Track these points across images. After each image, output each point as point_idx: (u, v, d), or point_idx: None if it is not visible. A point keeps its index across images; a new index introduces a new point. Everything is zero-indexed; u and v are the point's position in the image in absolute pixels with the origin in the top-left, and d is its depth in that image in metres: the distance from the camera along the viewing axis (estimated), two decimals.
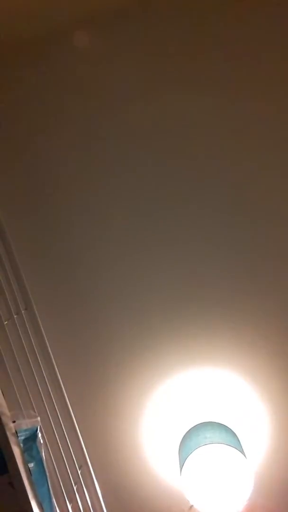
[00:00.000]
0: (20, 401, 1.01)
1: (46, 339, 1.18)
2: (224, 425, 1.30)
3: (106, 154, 1.29)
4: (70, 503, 1.06)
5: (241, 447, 1.23)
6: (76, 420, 1.19)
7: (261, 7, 1.20)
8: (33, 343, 1.13)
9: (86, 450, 1.19)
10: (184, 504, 1.32)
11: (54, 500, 0.96)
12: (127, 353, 1.32)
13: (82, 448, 1.19)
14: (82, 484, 1.14)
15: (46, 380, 1.13)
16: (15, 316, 1.09)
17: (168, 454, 1.35)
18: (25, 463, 0.87)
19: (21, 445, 0.89)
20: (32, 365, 1.10)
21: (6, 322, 1.06)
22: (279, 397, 1.30)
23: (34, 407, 1.05)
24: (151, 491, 1.36)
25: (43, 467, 0.93)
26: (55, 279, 1.33)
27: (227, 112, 1.24)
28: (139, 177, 1.28)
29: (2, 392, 0.91)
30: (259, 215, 1.26)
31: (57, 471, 1.06)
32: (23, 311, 1.14)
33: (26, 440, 0.91)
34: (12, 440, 0.86)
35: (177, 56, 1.24)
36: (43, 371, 1.13)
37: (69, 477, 1.10)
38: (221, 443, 1.16)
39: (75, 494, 1.10)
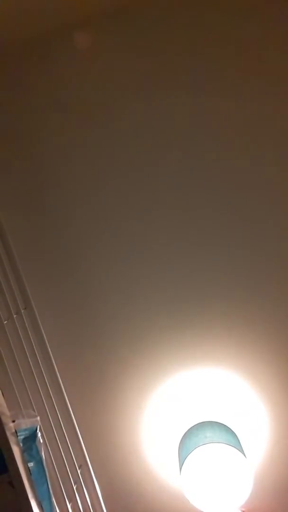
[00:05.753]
0: (19, 401, 1.01)
1: (45, 338, 1.18)
2: (224, 425, 1.30)
3: (106, 154, 1.29)
4: (69, 503, 1.06)
5: (241, 446, 1.23)
6: (75, 419, 1.19)
7: (261, 4, 1.20)
8: (33, 343, 1.12)
9: (86, 450, 1.19)
10: (183, 503, 1.32)
11: (53, 499, 0.96)
12: (127, 352, 1.32)
13: (81, 448, 1.19)
14: (81, 484, 1.14)
15: (46, 380, 1.13)
16: (14, 316, 1.09)
17: (168, 454, 1.35)
18: (25, 463, 0.87)
19: (21, 444, 0.89)
20: (31, 365, 1.10)
21: (5, 322, 1.06)
22: (279, 396, 1.30)
23: (34, 406, 1.05)
24: (150, 490, 1.36)
25: (42, 466, 0.93)
26: (55, 279, 1.33)
27: (227, 112, 1.24)
28: (139, 177, 1.28)
29: (1, 391, 0.91)
30: (260, 216, 1.26)
31: (56, 471, 1.06)
32: (22, 311, 1.14)
33: (25, 440, 0.91)
34: (11, 439, 0.86)
35: (177, 56, 1.24)
36: (43, 371, 1.13)
37: (69, 476, 1.10)
38: (221, 443, 1.16)
39: (74, 493, 1.10)
